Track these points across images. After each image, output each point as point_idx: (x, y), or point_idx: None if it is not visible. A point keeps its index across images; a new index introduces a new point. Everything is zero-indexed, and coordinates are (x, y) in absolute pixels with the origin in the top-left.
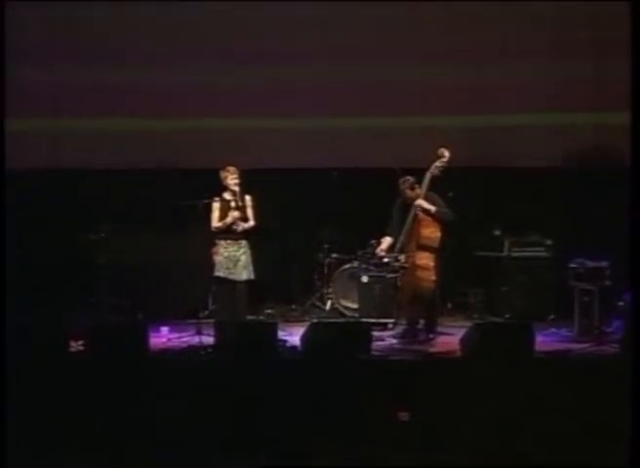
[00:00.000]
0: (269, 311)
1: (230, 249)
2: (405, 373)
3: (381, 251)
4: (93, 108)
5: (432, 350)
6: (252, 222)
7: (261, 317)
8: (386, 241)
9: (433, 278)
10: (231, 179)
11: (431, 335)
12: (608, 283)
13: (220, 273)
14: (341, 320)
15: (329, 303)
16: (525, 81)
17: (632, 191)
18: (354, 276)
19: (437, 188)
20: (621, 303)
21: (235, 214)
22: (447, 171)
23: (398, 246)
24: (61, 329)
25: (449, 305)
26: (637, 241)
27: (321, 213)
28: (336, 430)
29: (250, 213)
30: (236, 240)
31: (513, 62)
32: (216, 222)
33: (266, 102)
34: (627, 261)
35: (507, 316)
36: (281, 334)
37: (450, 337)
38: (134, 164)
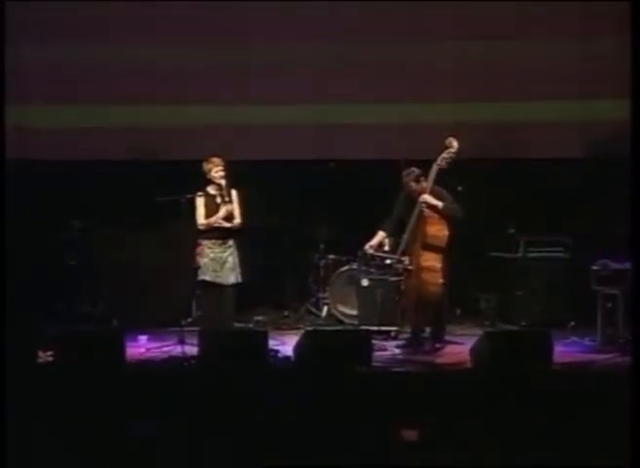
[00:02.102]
0: (259, 318)
1: (216, 249)
2: (410, 387)
3: (370, 247)
4: (62, 94)
5: (440, 361)
6: (239, 220)
7: (251, 324)
8: (378, 236)
9: (440, 281)
10: (216, 172)
11: (438, 345)
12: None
13: (205, 276)
14: (339, 327)
15: (325, 309)
16: (543, 64)
17: (632, 188)
18: (353, 279)
19: (445, 182)
20: None
21: (228, 207)
22: (456, 162)
23: (402, 245)
24: (28, 338)
25: (458, 311)
26: (638, 240)
27: (316, 209)
28: (333, 449)
29: (237, 209)
30: (222, 239)
31: (530, 43)
32: (202, 219)
33: (254, 87)
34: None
35: (523, 323)
36: (272, 344)
37: (459, 347)
38: (108, 155)
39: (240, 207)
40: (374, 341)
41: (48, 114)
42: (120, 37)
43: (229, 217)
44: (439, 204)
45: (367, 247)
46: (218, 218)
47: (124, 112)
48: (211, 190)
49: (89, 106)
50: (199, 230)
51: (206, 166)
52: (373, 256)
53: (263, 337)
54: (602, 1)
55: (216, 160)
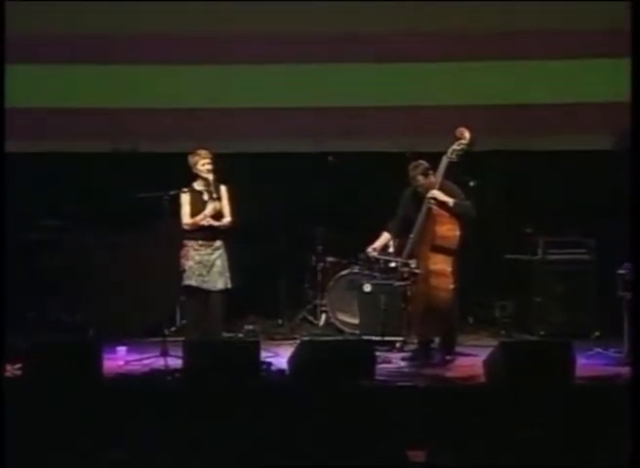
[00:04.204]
0: (250, 327)
1: (203, 251)
2: (417, 403)
3: (373, 250)
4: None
5: (450, 375)
6: (228, 218)
7: (241, 334)
8: (383, 238)
9: (451, 286)
10: (202, 165)
11: (448, 357)
12: None
13: (191, 281)
14: (339, 338)
15: (323, 317)
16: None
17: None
18: (354, 284)
19: (456, 176)
20: None
21: (216, 205)
22: (468, 155)
23: (408, 247)
24: None
25: (470, 320)
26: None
27: (314, 206)
28: None
29: (226, 206)
30: (210, 240)
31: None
32: (187, 218)
33: (246, 70)
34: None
35: (542, 333)
36: (265, 356)
37: (471, 359)
38: (84, 147)
39: (230, 204)
40: (377, 353)
41: (15, 97)
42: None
43: (217, 216)
44: (449, 201)
45: (370, 249)
46: (205, 216)
47: (101, 97)
48: (197, 186)
49: (62, 89)
50: (184, 230)
51: (192, 159)
52: (376, 259)
53: (255, 349)
54: None
55: (202, 152)
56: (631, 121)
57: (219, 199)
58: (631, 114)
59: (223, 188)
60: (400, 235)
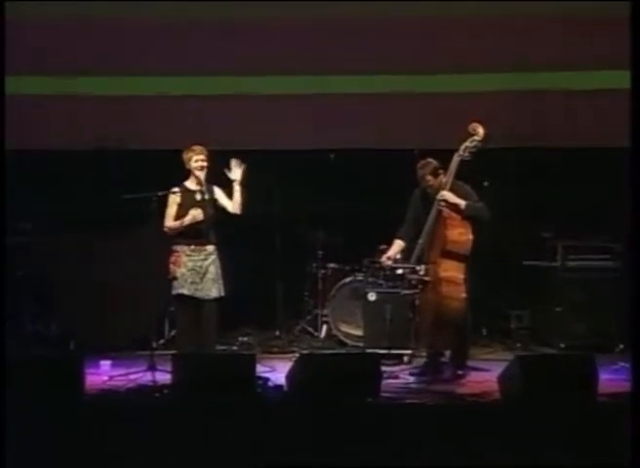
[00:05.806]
0: (245, 339)
1: (196, 257)
2: (426, 422)
3: (388, 258)
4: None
5: (462, 391)
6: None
7: (235, 347)
8: (396, 245)
9: (463, 295)
10: (196, 161)
11: (460, 372)
12: None
13: (183, 290)
14: (341, 351)
15: (324, 329)
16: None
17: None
18: (358, 293)
19: (468, 176)
20: None
21: (196, 212)
22: (481, 153)
23: (416, 252)
24: None
25: (484, 331)
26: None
27: (314, 208)
28: None
29: (228, 204)
30: (203, 245)
31: None
32: (170, 221)
33: (243, 63)
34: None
35: (562, 346)
36: (261, 370)
37: (485, 374)
38: (65, 143)
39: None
40: (383, 367)
41: None
42: None
43: (209, 217)
44: (461, 202)
45: (384, 258)
46: (181, 224)
47: (87, 87)
48: (190, 185)
49: (42, 83)
50: (173, 234)
51: (185, 155)
52: (381, 266)
53: (250, 363)
54: None
55: (197, 148)
56: (631, 120)
57: (212, 200)
58: (631, 113)
59: (218, 190)
60: (413, 240)
